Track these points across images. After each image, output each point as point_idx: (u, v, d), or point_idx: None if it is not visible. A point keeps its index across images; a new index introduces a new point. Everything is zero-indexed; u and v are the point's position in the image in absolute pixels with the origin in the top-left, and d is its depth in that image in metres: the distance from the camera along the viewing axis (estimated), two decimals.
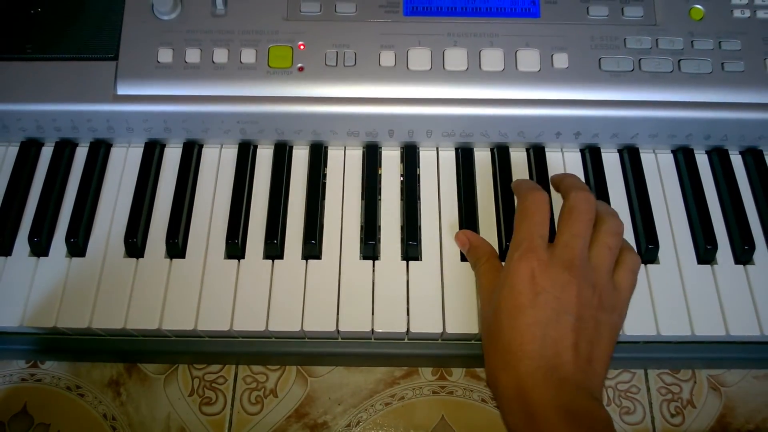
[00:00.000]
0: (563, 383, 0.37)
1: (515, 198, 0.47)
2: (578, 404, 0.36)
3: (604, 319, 0.39)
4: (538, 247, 0.40)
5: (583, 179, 0.51)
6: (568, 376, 0.37)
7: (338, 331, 0.46)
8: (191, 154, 0.52)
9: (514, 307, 0.39)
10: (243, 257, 0.48)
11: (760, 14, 0.51)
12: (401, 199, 0.50)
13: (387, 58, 0.49)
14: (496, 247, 0.48)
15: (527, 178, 0.51)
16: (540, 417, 0.36)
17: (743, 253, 0.48)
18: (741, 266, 0.48)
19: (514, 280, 0.39)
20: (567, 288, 0.38)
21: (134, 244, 0.48)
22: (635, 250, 0.43)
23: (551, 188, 0.49)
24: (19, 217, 0.50)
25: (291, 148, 0.53)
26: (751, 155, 0.52)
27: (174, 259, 0.48)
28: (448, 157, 0.52)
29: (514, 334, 0.38)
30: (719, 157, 0.52)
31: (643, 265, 0.48)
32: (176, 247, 0.48)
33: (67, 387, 0.50)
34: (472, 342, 0.47)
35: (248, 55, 0.49)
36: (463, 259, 0.48)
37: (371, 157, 0.52)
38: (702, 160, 0.52)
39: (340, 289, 0.46)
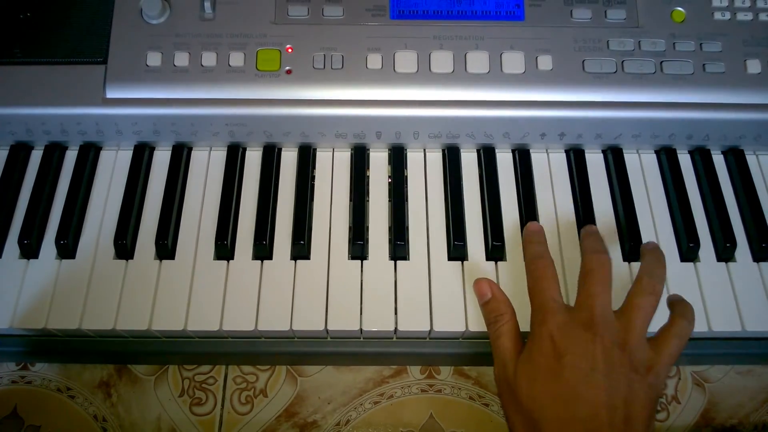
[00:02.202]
0: None
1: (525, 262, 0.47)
2: None
3: (636, 378, 0.38)
4: (554, 310, 0.40)
5: (567, 180, 0.52)
6: None
7: (327, 331, 0.46)
8: (180, 156, 0.52)
9: (542, 373, 0.38)
10: (232, 258, 0.48)
11: (740, 16, 0.52)
12: (389, 200, 0.51)
13: (374, 61, 0.50)
14: (482, 246, 0.49)
15: (513, 179, 0.52)
16: None
17: (725, 251, 0.49)
18: (723, 264, 0.49)
19: (537, 346, 0.39)
20: (590, 346, 0.38)
21: (124, 246, 0.48)
22: (691, 318, 0.41)
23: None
24: (9, 219, 0.50)
25: (280, 150, 0.53)
26: (732, 155, 0.53)
27: (163, 261, 0.48)
28: (435, 158, 0.53)
29: (547, 400, 0.37)
30: (701, 157, 0.53)
31: (626, 263, 0.48)
32: (166, 249, 0.48)
33: (58, 389, 0.50)
34: (460, 340, 0.47)
35: (236, 59, 0.50)
36: (450, 258, 0.48)
37: (359, 159, 0.52)
38: (684, 160, 0.53)
39: (328, 289, 0.47)
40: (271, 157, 0.52)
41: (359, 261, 0.48)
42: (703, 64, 0.51)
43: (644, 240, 0.49)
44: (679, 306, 0.43)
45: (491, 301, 0.44)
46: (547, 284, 0.42)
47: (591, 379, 0.37)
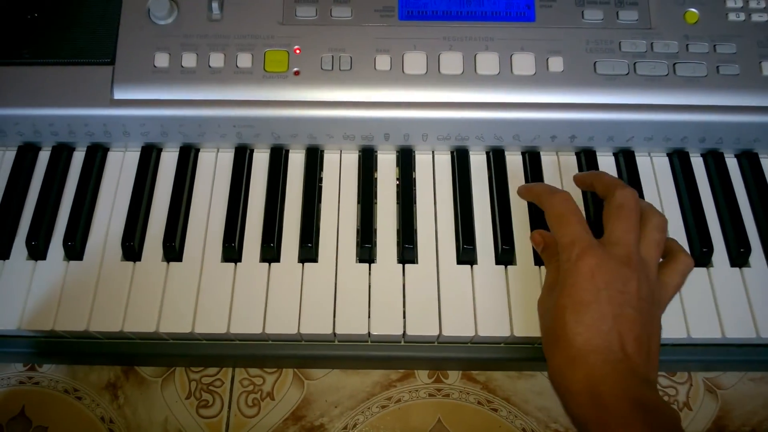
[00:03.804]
0: (632, 375, 0.37)
1: (538, 204, 0.46)
2: (648, 397, 0.36)
3: (656, 313, 0.40)
4: (593, 245, 0.40)
5: None
6: (634, 368, 0.37)
7: (335, 334, 0.46)
8: (188, 157, 0.52)
9: (578, 303, 0.39)
10: (240, 260, 0.48)
11: (755, 17, 0.51)
12: (397, 203, 0.50)
13: (383, 62, 0.50)
14: (492, 250, 0.48)
15: (523, 182, 0.51)
16: (612, 408, 0.36)
17: (739, 256, 0.48)
18: (737, 269, 0.48)
19: (576, 279, 0.39)
20: (628, 283, 0.39)
21: (131, 248, 0.48)
22: (687, 251, 0.43)
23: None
24: (16, 220, 0.50)
25: (287, 151, 0.53)
26: (746, 158, 0.52)
27: (171, 263, 0.48)
28: (444, 160, 0.53)
29: (579, 329, 0.38)
30: (714, 160, 0.52)
31: None
32: (173, 251, 0.48)
33: (65, 390, 0.50)
34: (468, 345, 0.47)
35: (244, 60, 0.50)
36: (459, 262, 0.48)
37: (367, 161, 0.52)
38: (697, 163, 0.52)
39: (336, 292, 0.47)
40: (278, 159, 0.52)
41: (367, 264, 0.48)
42: (717, 66, 0.50)
43: None
44: (675, 243, 0.44)
45: (545, 248, 0.45)
46: (578, 218, 0.42)
47: (626, 312, 0.38)
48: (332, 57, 0.50)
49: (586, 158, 0.52)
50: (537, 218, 0.49)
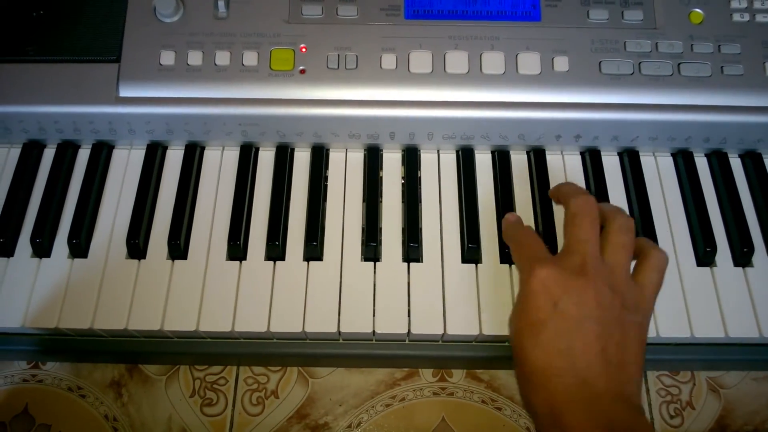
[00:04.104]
0: (599, 399, 0.35)
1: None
2: (619, 418, 0.34)
3: (629, 319, 0.37)
4: (544, 259, 0.39)
5: (583, 182, 0.52)
6: (601, 389, 0.35)
7: (339, 333, 0.46)
8: (193, 155, 0.52)
9: (534, 323, 0.37)
10: (245, 258, 0.48)
11: (760, 18, 0.51)
12: (402, 201, 0.50)
13: (388, 61, 0.50)
14: (497, 249, 0.48)
15: (528, 182, 0.52)
16: None
17: (742, 256, 0.48)
18: (740, 268, 0.48)
19: (529, 297, 0.38)
20: (583, 292, 0.37)
21: (136, 246, 0.48)
22: (659, 246, 0.41)
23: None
24: (21, 218, 0.50)
25: (292, 150, 0.53)
26: (750, 158, 0.53)
27: (176, 261, 0.48)
28: (449, 159, 0.53)
29: (538, 352, 0.36)
30: (718, 160, 0.52)
31: None
32: (178, 249, 0.48)
33: (69, 388, 0.50)
34: (473, 343, 0.47)
35: (250, 58, 0.50)
36: (464, 260, 0.48)
37: (373, 160, 0.52)
38: (701, 163, 0.53)
39: (341, 291, 0.47)
40: (284, 157, 0.52)
41: (372, 263, 0.48)
42: (721, 66, 0.50)
43: (661, 244, 0.48)
44: (644, 240, 0.41)
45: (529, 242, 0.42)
46: (530, 240, 0.41)
47: (584, 326, 0.36)
48: (338, 56, 0.50)
49: (591, 158, 0.52)
50: (543, 217, 0.49)
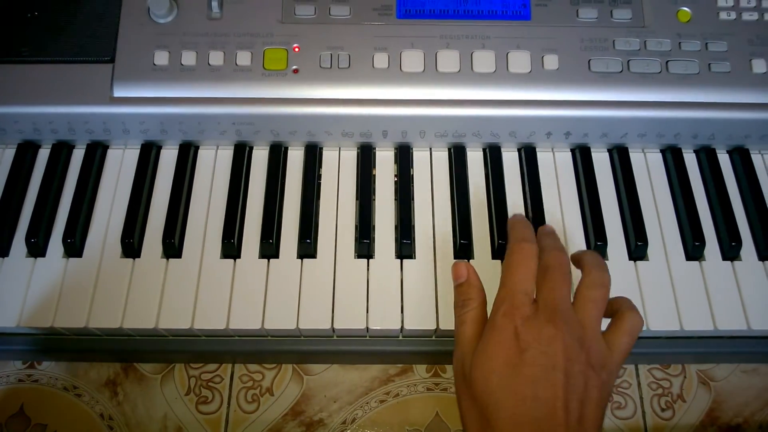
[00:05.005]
0: None
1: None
2: None
3: (592, 376, 0.37)
4: (521, 304, 0.39)
5: (573, 179, 0.52)
6: None
7: (333, 329, 0.46)
8: (187, 155, 0.52)
9: (501, 365, 0.37)
10: (239, 257, 0.48)
11: (746, 16, 0.52)
12: (395, 199, 0.51)
13: (380, 60, 0.50)
14: (488, 245, 0.49)
15: (519, 178, 0.52)
16: None
17: (730, 250, 0.49)
18: (728, 262, 0.49)
19: (499, 338, 0.38)
20: (552, 342, 0.37)
21: (131, 245, 0.48)
22: (639, 312, 0.40)
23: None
24: (16, 218, 0.50)
25: (286, 149, 0.53)
26: (738, 154, 0.53)
27: (170, 259, 0.48)
28: (441, 157, 0.53)
29: (503, 395, 0.36)
30: (707, 156, 0.53)
31: (632, 262, 0.48)
32: (173, 247, 0.48)
33: (64, 387, 0.50)
34: None
35: (243, 58, 0.50)
36: (456, 256, 0.49)
37: (366, 158, 0.52)
38: (690, 159, 0.53)
39: (335, 288, 0.47)
40: (277, 156, 0.52)
41: (365, 259, 0.48)
42: (709, 64, 0.51)
43: (650, 239, 0.49)
44: (624, 300, 0.41)
45: (464, 284, 0.42)
46: (524, 274, 0.40)
47: (551, 376, 0.36)
48: (331, 55, 0.50)
49: (581, 154, 0.53)
50: (534, 213, 0.50)
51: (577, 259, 0.43)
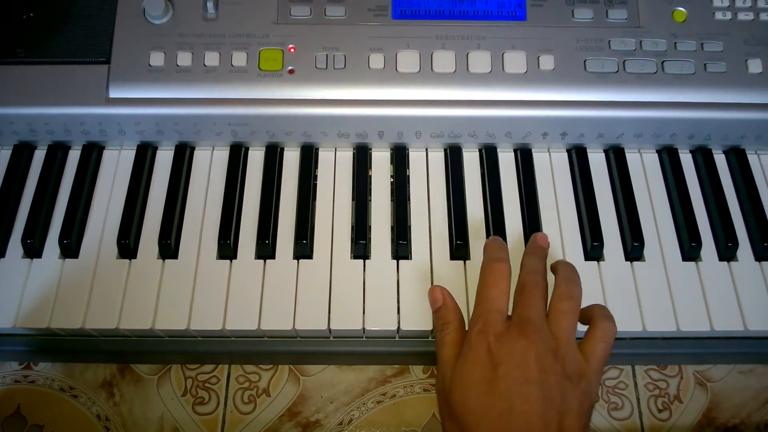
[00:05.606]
0: None
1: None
2: None
3: (569, 387, 0.37)
4: (495, 321, 0.39)
5: (570, 179, 0.52)
6: None
7: (330, 330, 0.46)
8: (183, 156, 0.52)
9: (476, 383, 0.37)
10: (235, 257, 0.48)
11: (741, 16, 0.52)
12: (391, 200, 0.51)
13: (376, 61, 0.50)
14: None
15: (515, 179, 0.52)
16: None
17: (727, 250, 0.49)
18: (725, 263, 0.49)
19: (473, 356, 0.38)
20: (525, 355, 0.37)
21: (127, 245, 0.48)
22: (612, 318, 0.40)
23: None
24: (12, 219, 0.50)
25: (282, 149, 0.53)
26: (734, 154, 0.53)
27: (166, 260, 0.48)
28: (437, 157, 0.53)
29: (480, 411, 0.36)
30: (703, 157, 0.53)
31: (629, 263, 0.48)
32: (169, 248, 0.48)
33: (61, 388, 0.50)
34: None
35: (239, 59, 0.50)
36: (452, 257, 0.49)
37: (361, 159, 0.52)
38: (686, 160, 0.53)
39: (331, 288, 0.47)
40: (273, 157, 0.52)
41: (362, 260, 0.48)
42: (705, 64, 0.51)
43: (647, 239, 0.49)
44: (597, 309, 0.42)
45: (441, 308, 0.43)
46: (497, 293, 0.41)
47: (526, 390, 0.36)
48: (326, 56, 0.50)
49: (577, 155, 0.53)
50: (529, 214, 0.50)
51: (554, 270, 0.44)
